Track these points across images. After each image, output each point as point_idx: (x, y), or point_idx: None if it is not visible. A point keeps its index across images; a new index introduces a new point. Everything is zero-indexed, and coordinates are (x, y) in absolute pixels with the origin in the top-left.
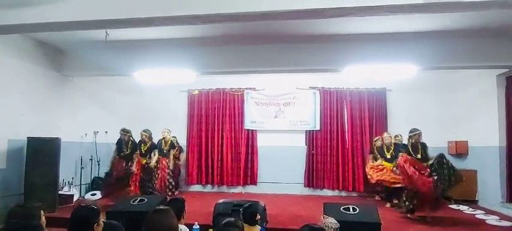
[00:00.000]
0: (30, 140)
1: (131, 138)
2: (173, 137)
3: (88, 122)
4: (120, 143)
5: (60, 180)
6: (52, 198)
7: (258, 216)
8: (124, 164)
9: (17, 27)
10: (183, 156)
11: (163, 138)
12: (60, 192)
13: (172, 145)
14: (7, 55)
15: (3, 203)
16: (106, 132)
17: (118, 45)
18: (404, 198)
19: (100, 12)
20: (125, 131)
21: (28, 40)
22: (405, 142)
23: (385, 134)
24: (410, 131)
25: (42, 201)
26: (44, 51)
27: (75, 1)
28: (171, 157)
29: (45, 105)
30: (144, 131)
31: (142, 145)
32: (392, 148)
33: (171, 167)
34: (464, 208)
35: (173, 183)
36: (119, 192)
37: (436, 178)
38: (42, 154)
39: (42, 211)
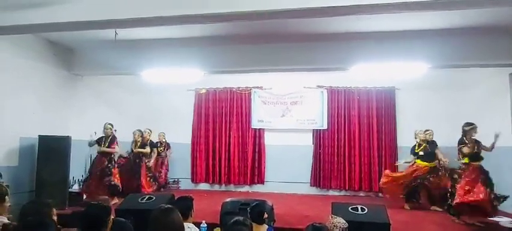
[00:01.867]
0: (41, 138)
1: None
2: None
3: (97, 121)
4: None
5: (70, 178)
6: (62, 196)
7: (266, 215)
8: (104, 160)
9: (28, 28)
10: (168, 153)
11: (143, 138)
12: (70, 190)
13: (152, 144)
14: (19, 55)
15: (15, 200)
16: (115, 131)
17: (127, 45)
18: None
19: (109, 12)
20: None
21: (39, 40)
22: (434, 138)
23: (419, 130)
24: (466, 125)
25: (52, 199)
26: (53, 51)
27: (85, 1)
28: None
29: (56, 103)
30: (138, 130)
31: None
32: (424, 145)
33: (149, 165)
34: None
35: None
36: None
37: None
38: (53, 151)
39: (54, 209)
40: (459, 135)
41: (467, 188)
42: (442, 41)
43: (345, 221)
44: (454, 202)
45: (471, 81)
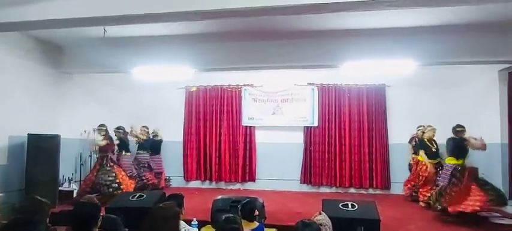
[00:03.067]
0: (31, 136)
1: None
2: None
3: (87, 119)
4: None
5: (60, 176)
6: (52, 194)
7: (257, 212)
8: None
9: (18, 25)
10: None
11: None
12: (60, 188)
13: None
14: (7, 53)
15: (4, 199)
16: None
17: (116, 42)
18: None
19: (99, 8)
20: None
21: (27, 38)
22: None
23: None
24: (458, 126)
25: (42, 197)
26: (42, 49)
27: None
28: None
29: (45, 102)
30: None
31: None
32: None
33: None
34: None
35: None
36: None
37: None
38: (42, 150)
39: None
40: (448, 132)
41: None
42: (433, 38)
43: (324, 217)
44: None
45: (461, 78)
